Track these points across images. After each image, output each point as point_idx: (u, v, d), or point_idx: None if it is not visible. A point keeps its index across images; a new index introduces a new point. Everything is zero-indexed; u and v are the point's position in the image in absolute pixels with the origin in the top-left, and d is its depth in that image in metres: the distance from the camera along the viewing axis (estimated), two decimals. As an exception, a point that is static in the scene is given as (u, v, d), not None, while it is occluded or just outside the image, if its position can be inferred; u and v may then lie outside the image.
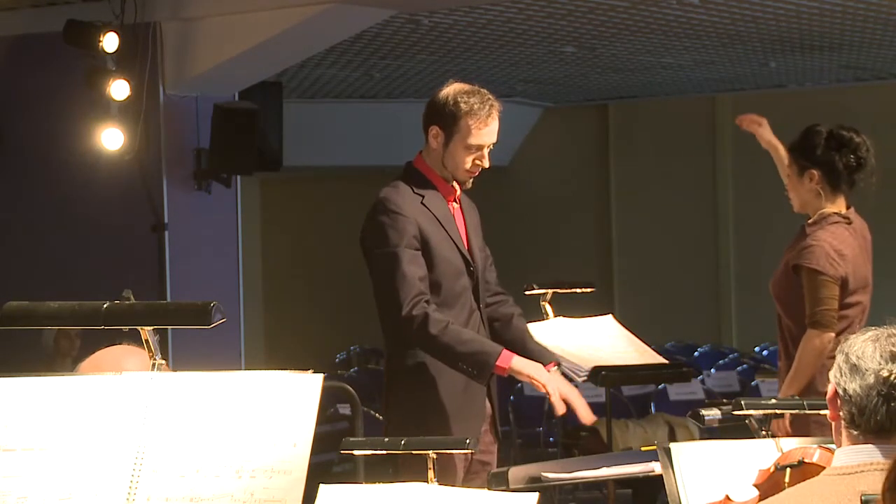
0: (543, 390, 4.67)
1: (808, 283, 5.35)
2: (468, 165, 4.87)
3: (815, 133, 5.51)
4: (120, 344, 2.87)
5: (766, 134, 5.93)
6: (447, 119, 4.84)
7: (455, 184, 4.94)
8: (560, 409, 4.68)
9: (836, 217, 5.46)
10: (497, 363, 4.69)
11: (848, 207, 5.52)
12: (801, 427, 5.01)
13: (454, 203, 4.98)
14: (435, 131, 4.87)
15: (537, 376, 4.69)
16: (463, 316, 4.86)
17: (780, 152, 5.83)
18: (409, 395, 4.85)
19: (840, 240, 5.41)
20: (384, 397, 5.02)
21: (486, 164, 4.89)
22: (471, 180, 4.93)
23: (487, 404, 4.96)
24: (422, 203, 4.85)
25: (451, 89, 4.88)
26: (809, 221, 5.49)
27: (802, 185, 5.51)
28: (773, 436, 3.44)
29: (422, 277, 4.75)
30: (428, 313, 4.70)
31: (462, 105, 4.82)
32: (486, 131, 4.85)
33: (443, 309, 4.78)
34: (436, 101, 4.89)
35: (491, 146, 4.89)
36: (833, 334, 5.30)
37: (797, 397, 5.06)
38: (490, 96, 4.88)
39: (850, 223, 5.47)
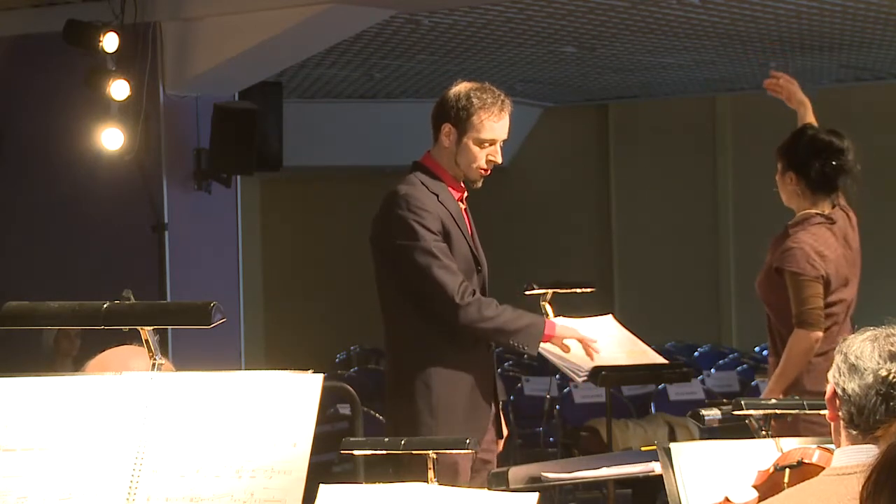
0: (592, 346, 4.97)
1: (791, 284, 5.39)
2: (482, 161, 4.88)
3: (800, 135, 5.54)
4: (130, 345, 2.87)
5: (797, 93, 5.93)
6: (460, 116, 4.86)
7: (463, 183, 4.96)
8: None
9: (819, 218, 5.47)
10: (545, 332, 4.90)
11: (833, 207, 5.53)
12: (791, 426, 5.00)
13: (461, 203, 4.99)
14: (447, 129, 4.88)
15: (583, 334, 4.97)
16: None
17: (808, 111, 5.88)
18: (413, 397, 4.85)
19: (821, 241, 5.42)
20: (387, 399, 5.02)
21: (499, 159, 4.92)
22: (481, 180, 4.95)
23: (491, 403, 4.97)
24: (438, 200, 4.87)
25: (461, 87, 4.90)
26: (791, 222, 5.51)
27: (783, 183, 5.56)
28: (773, 435, 3.44)
29: (457, 268, 4.81)
30: (480, 298, 4.80)
31: (475, 101, 4.84)
32: (499, 125, 4.88)
33: None
34: (447, 99, 4.90)
35: (502, 142, 4.92)
36: (821, 333, 5.34)
37: (796, 397, 5.07)
38: (500, 92, 4.91)
39: (832, 223, 5.48)
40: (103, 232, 9.19)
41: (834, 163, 5.45)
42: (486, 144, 4.87)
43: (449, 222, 4.86)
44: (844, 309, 5.48)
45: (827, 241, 5.45)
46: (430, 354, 4.83)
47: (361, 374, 12.66)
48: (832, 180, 5.47)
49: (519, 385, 10.98)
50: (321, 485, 2.90)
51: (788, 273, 5.39)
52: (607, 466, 4.17)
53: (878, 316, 2.87)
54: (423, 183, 4.89)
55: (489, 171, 4.94)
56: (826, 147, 5.46)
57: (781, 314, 5.46)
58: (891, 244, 13.89)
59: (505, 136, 4.92)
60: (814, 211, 5.49)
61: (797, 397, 4.63)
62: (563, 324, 5.01)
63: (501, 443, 5.10)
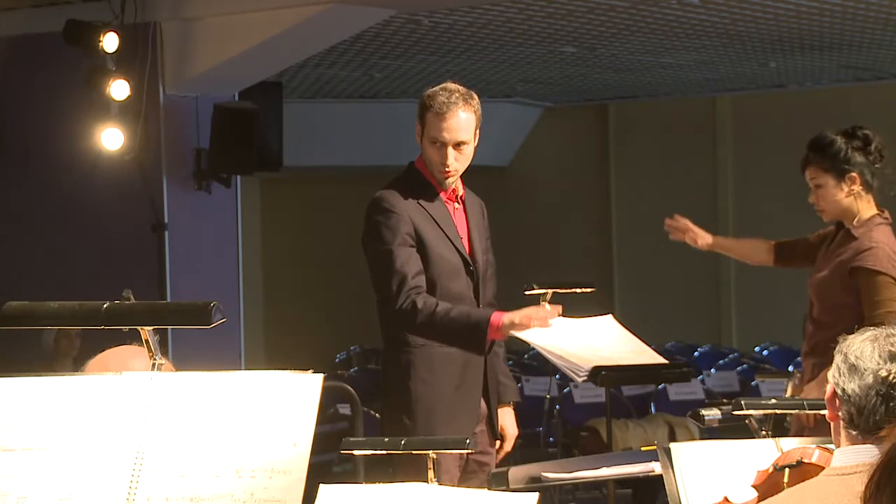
0: (537, 324, 4.76)
1: (867, 284, 5.26)
2: (438, 163, 4.88)
3: (832, 140, 5.41)
4: (130, 345, 2.87)
5: (700, 233, 5.92)
6: (420, 115, 4.91)
7: (461, 183, 4.98)
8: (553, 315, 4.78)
9: (879, 219, 5.41)
10: (489, 333, 4.77)
11: (881, 210, 5.49)
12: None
13: (455, 203, 4.98)
14: (418, 128, 4.93)
15: (534, 315, 4.76)
16: None
17: (729, 246, 5.87)
18: (402, 390, 4.88)
19: (892, 241, 5.37)
20: (381, 392, 5.07)
21: (450, 162, 4.86)
22: (449, 180, 4.92)
23: (483, 404, 4.97)
24: (417, 202, 4.88)
25: (432, 88, 4.92)
26: (855, 223, 5.39)
27: (841, 192, 5.39)
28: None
29: (415, 274, 4.80)
30: (415, 302, 4.76)
31: (427, 101, 4.89)
32: (444, 126, 4.83)
33: None
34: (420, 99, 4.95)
35: (459, 146, 4.86)
36: None
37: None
38: (460, 94, 4.87)
39: (890, 223, 5.45)
40: (103, 232, 9.19)
41: (878, 149, 5.41)
42: (438, 145, 4.87)
43: (426, 223, 4.87)
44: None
45: (894, 241, 5.41)
46: (411, 355, 4.86)
47: (361, 374, 12.65)
48: (878, 173, 5.44)
49: (519, 385, 10.94)
50: (321, 485, 2.90)
51: (867, 271, 5.25)
52: (607, 466, 4.17)
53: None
54: (407, 183, 4.92)
55: (450, 174, 4.91)
56: (868, 138, 5.42)
57: (848, 315, 5.25)
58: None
59: (455, 139, 4.84)
60: (870, 212, 5.44)
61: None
62: (508, 317, 4.77)
63: (500, 444, 5.09)
